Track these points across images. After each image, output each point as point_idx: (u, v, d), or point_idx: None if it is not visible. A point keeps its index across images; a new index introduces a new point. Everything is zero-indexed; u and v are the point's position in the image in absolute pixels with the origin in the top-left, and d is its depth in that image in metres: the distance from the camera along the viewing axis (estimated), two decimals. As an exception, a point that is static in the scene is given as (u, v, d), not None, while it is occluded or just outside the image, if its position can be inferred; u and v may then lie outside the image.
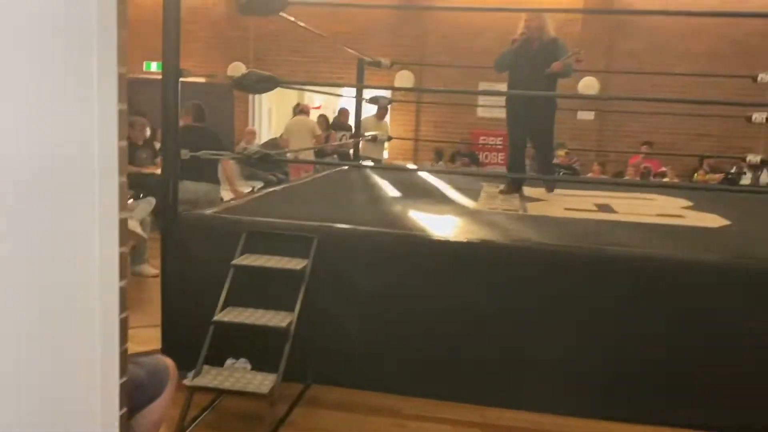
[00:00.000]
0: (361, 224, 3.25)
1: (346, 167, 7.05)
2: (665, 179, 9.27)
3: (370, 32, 10.89)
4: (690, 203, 4.96)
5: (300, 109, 8.07)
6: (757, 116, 6.76)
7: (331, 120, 9.63)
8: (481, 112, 10.77)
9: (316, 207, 3.88)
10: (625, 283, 2.85)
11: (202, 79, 9.87)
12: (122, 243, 1.27)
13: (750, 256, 3.01)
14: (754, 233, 3.88)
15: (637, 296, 2.84)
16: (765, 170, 8.95)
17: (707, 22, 9.89)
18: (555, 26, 4.92)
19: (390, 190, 4.97)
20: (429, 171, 7.41)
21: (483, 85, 10.57)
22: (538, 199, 4.79)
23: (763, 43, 9.83)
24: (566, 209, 4.43)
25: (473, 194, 4.89)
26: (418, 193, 4.88)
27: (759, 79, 6.58)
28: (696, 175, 9.22)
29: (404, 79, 10.79)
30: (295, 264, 2.91)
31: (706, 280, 2.80)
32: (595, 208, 4.54)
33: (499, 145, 10.49)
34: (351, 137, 7.48)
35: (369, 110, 9.62)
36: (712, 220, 4.17)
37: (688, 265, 2.80)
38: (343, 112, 9.16)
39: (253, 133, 8.81)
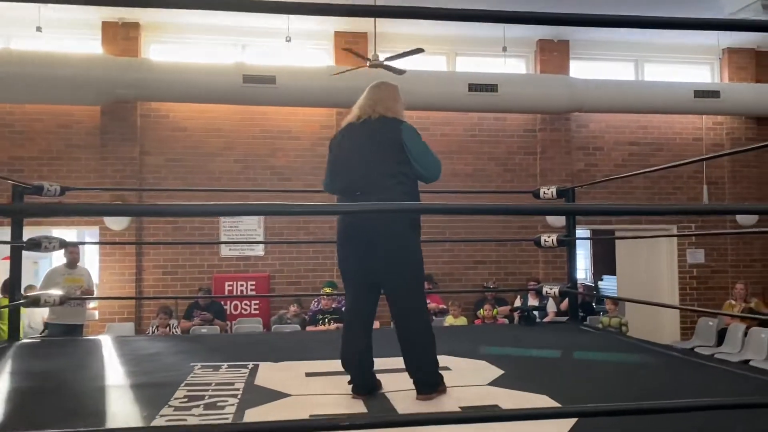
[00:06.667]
0: None
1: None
2: (449, 317, 8.10)
3: (64, 154, 8.62)
4: (500, 370, 3.46)
5: None
6: (546, 239, 5.87)
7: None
8: (225, 251, 8.88)
9: None
10: None
11: None
12: None
13: None
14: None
15: None
16: (551, 299, 8.28)
17: (470, 142, 9.45)
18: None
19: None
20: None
21: (225, 218, 8.81)
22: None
23: (525, 160, 9.61)
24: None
25: (163, 394, 2.84)
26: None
27: (542, 194, 5.77)
28: (482, 310, 8.19)
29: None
30: None
31: None
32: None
33: (252, 292, 8.61)
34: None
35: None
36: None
37: None
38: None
39: None
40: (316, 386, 3.11)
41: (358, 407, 2.71)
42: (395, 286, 2.90)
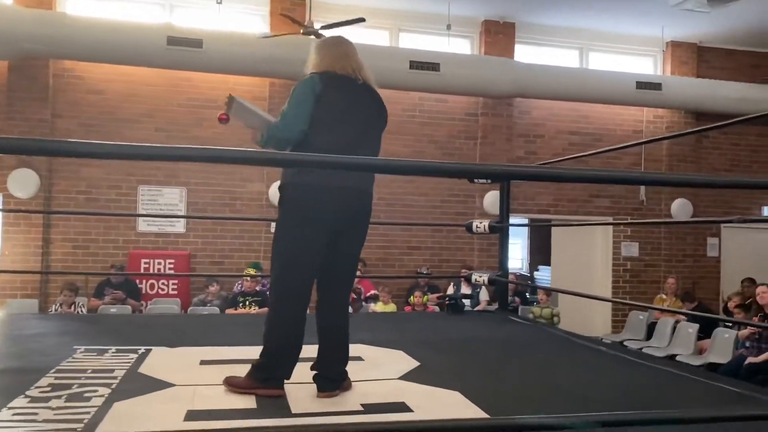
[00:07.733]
0: None
1: None
2: (379, 303, 7.88)
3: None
4: (416, 362, 3.23)
5: None
6: (478, 225, 5.69)
7: None
8: (143, 226, 8.38)
9: None
10: None
11: None
12: None
13: None
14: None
15: None
16: (483, 287, 8.15)
17: (410, 123, 9.19)
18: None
19: None
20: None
21: (144, 190, 8.33)
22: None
23: (465, 145, 9.43)
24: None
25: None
26: None
27: (476, 180, 5.60)
28: (412, 297, 8.00)
29: (20, 181, 8.02)
30: None
31: None
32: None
33: (170, 271, 8.14)
34: None
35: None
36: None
37: None
38: None
39: None
40: (207, 376, 2.80)
41: (248, 402, 2.41)
42: (351, 269, 2.77)
